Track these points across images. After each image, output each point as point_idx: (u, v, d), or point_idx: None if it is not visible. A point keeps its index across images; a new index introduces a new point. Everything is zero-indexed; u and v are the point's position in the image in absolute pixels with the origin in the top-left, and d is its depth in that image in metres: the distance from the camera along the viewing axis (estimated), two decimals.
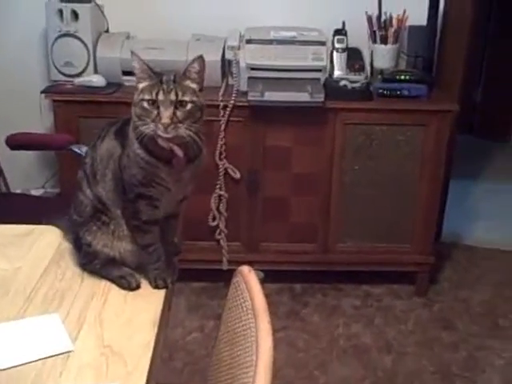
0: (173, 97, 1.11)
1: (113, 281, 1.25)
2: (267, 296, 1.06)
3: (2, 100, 2.79)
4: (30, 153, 2.77)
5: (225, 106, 2.39)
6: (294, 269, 2.66)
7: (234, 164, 2.48)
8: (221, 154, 2.45)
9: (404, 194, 2.54)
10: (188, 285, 2.66)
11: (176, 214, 1.32)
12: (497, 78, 4.38)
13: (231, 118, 2.41)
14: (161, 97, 1.11)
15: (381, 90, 2.46)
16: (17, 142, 2.22)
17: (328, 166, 2.49)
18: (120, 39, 2.54)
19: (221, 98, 2.39)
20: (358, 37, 2.58)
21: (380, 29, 2.58)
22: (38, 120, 2.62)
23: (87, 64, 2.53)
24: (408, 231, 2.59)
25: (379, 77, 2.55)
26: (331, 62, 2.49)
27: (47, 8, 2.51)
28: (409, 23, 2.59)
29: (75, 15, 2.49)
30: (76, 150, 2.14)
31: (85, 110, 2.41)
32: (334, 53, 2.50)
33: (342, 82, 2.43)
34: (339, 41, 2.51)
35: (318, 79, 2.44)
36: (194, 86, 1.15)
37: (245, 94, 2.39)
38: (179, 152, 1.16)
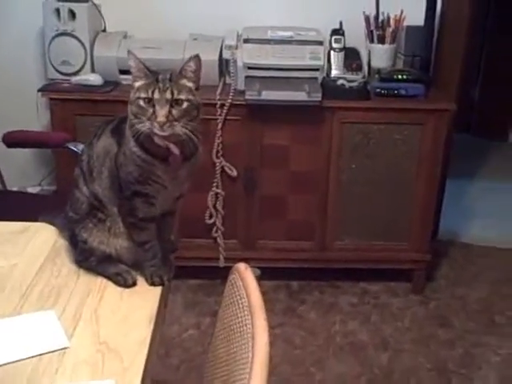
0: (168, 95, 1.12)
1: (109, 278, 1.26)
2: (264, 293, 1.07)
3: None
4: (26, 150, 2.77)
5: (222, 105, 2.39)
6: (291, 266, 2.67)
7: (231, 162, 2.48)
8: (218, 152, 2.45)
9: (401, 193, 2.55)
10: (184, 282, 2.66)
11: (172, 212, 1.32)
12: (494, 77, 4.39)
13: (228, 117, 2.42)
14: (156, 95, 1.11)
15: (378, 90, 2.47)
16: (13, 140, 2.22)
17: (325, 164, 2.50)
18: (117, 38, 2.54)
19: (218, 97, 2.40)
20: (356, 37, 2.59)
21: (377, 29, 2.59)
22: (35, 118, 2.63)
23: (84, 63, 2.53)
24: (405, 229, 2.60)
25: (377, 76, 2.56)
26: (328, 61, 2.50)
27: (44, 7, 2.51)
28: (406, 23, 2.60)
29: (72, 14, 2.49)
30: (72, 147, 2.13)
31: (81, 109, 2.41)
32: (332, 52, 2.51)
33: (340, 82, 2.43)
34: (337, 40, 2.52)
35: (316, 78, 2.45)
36: (190, 84, 1.15)
37: (242, 93, 2.40)
38: (175, 150, 1.16)
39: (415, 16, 2.57)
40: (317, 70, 2.45)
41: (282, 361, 2.26)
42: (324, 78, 2.47)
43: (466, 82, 3.06)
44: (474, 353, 2.35)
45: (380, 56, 2.60)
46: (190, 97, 1.14)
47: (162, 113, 1.11)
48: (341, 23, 2.56)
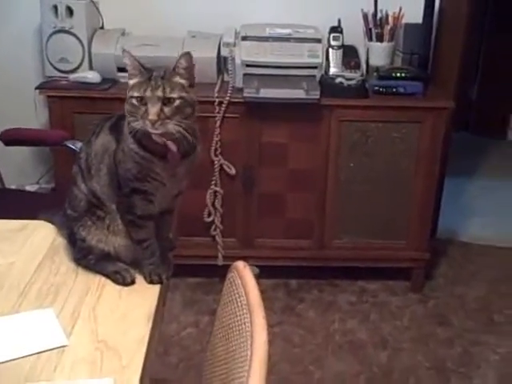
0: (160, 93, 1.11)
1: (107, 276, 1.25)
2: (263, 292, 1.07)
3: None
4: (24, 148, 2.77)
5: (220, 103, 2.39)
6: (289, 264, 2.66)
7: (230, 160, 2.48)
8: (216, 150, 2.45)
9: (399, 191, 2.55)
10: (183, 280, 2.66)
11: (171, 210, 1.32)
12: (492, 75, 4.39)
13: (227, 115, 2.41)
14: (148, 93, 1.11)
15: (376, 87, 2.47)
16: (11, 138, 2.22)
17: (324, 162, 2.50)
18: (115, 35, 2.54)
19: (216, 95, 2.39)
20: (354, 34, 2.59)
21: (376, 26, 2.58)
22: (33, 116, 2.62)
23: (82, 60, 2.52)
24: (403, 227, 2.59)
25: (375, 74, 2.55)
26: (327, 59, 2.50)
27: (42, 4, 2.50)
28: (404, 21, 2.59)
29: (70, 11, 2.49)
30: (71, 145, 2.13)
31: (80, 106, 2.41)
32: (330, 50, 2.50)
33: (338, 79, 2.43)
34: (335, 38, 2.51)
35: (314, 76, 2.45)
36: (182, 81, 1.15)
37: (240, 90, 2.39)
38: (173, 147, 1.16)
39: (413, 14, 2.57)
40: (315, 67, 2.45)
41: (281, 359, 2.26)
42: (322, 75, 2.47)
43: (465, 79, 3.05)
44: (473, 351, 2.35)
45: (378, 54, 2.59)
46: (183, 94, 1.13)
47: (153, 111, 1.11)
48: (339, 21, 2.55)
